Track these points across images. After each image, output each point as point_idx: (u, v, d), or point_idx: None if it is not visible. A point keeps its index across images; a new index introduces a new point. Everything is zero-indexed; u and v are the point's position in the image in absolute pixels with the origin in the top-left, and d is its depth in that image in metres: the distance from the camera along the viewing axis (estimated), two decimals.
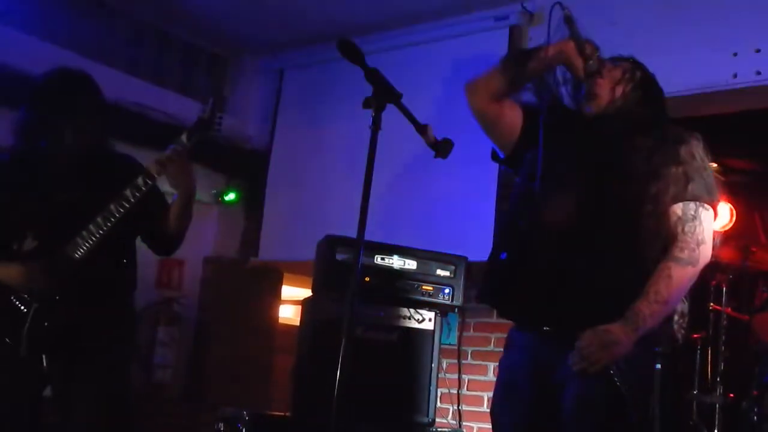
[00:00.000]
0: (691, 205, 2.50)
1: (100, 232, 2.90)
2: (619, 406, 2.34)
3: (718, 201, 2.59)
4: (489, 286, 2.69)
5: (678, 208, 2.49)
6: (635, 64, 2.73)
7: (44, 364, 2.90)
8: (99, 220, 2.89)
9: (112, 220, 2.89)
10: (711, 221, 2.55)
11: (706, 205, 2.53)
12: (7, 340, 2.90)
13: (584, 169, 2.56)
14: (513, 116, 2.75)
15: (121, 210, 2.89)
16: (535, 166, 2.56)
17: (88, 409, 2.91)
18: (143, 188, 2.89)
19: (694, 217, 2.49)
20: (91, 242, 2.90)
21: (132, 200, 2.89)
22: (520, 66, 2.69)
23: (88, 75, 3.09)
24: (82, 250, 2.90)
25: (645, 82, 2.71)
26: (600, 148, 2.58)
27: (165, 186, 3.05)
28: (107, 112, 3.12)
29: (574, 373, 2.36)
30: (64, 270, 2.89)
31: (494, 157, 2.87)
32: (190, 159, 3.01)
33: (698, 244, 2.47)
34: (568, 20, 2.56)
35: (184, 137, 2.94)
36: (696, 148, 2.57)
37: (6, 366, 2.93)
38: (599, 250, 2.45)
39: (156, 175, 2.91)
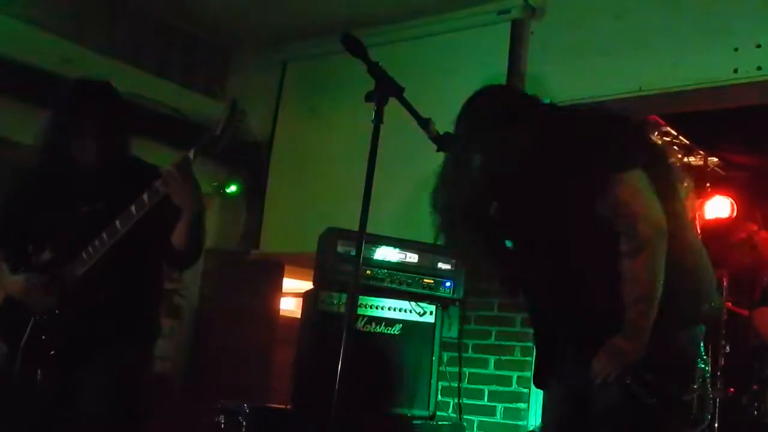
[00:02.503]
0: (609, 194, 2.41)
1: (104, 247, 2.83)
2: (640, 407, 2.43)
3: (635, 159, 2.45)
4: None
5: (603, 207, 2.43)
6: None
7: (38, 377, 2.83)
8: (104, 235, 2.82)
9: (116, 235, 2.81)
10: (635, 187, 2.42)
11: (619, 177, 2.42)
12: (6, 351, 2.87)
13: (533, 226, 2.56)
14: None
15: (125, 226, 2.80)
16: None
17: (92, 407, 2.82)
18: (146, 204, 2.78)
19: (617, 203, 2.41)
20: (94, 258, 2.84)
21: (135, 216, 2.79)
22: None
23: (109, 83, 3.04)
24: (85, 266, 2.85)
25: (505, 107, 2.65)
26: (530, 203, 2.54)
27: None
28: (129, 121, 3.07)
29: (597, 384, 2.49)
30: (63, 287, 2.85)
31: None
32: (193, 175, 2.81)
33: (634, 225, 2.39)
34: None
35: (191, 153, 2.76)
36: (581, 125, 2.56)
37: (5, 379, 2.89)
38: (585, 287, 2.49)
39: (160, 190, 2.77)
